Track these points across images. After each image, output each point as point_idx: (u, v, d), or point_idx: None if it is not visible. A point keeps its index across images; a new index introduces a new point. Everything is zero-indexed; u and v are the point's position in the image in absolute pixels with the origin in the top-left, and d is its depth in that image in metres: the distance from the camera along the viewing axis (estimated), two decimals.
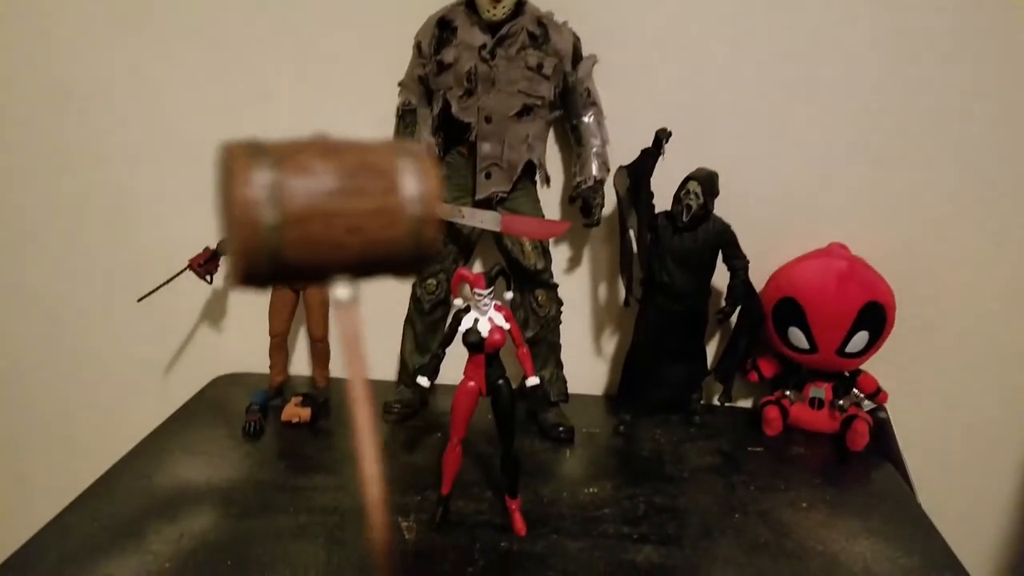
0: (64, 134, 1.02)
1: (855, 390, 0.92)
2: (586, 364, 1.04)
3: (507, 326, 0.70)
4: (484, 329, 0.69)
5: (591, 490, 0.81)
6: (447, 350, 0.72)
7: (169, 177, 1.02)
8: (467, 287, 0.69)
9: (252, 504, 0.77)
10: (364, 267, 0.23)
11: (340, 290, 0.21)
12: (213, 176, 0.94)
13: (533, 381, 0.72)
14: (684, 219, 0.84)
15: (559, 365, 0.95)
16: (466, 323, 0.69)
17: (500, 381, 0.71)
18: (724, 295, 0.90)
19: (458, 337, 0.70)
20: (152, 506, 0.76)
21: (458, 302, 0.71)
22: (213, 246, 0.94)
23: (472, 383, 0.70)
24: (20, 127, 1.03)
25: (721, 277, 0.90)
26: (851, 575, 0.69)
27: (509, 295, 0.73)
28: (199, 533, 0.72)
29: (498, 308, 0.70)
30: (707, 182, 0.84)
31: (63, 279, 1.09)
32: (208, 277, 0.94)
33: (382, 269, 0.23)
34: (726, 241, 0.87)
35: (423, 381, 0.71)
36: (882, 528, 0.76)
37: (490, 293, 0.69)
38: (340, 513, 0.75)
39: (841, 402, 0.91)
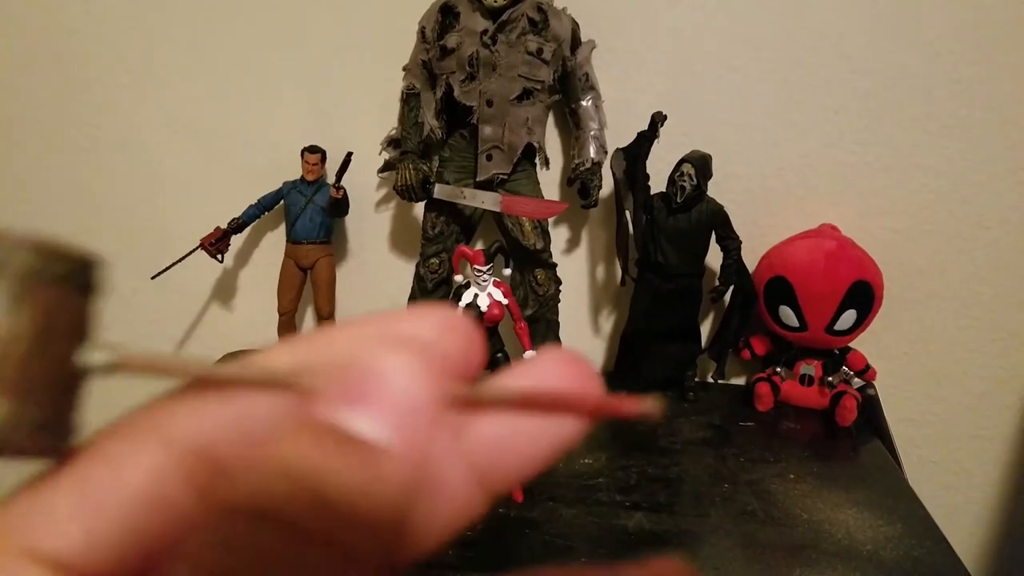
0: (76, 112, 1.05)
1: (844, 367, 0.95)
2: (584, 341, 1.07)
3: (505, 301, 0.73)
4: (483, 304, 0.72)
5: (586, 461, 0.84)
6: None
7: (181, 157, 1.05)
8: (467, 264, 0.72)
9: None
10: None
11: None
12: (223, 157, 0.97)
13: (531, 354, 0.75)
14: (678, 200, 0.87)
15: (558, 342, 0.98)
16: (466, 298, 0.73)
17: (499, 354, 0.74)
18: (718, 275, 0.93)
19: None
20: None
21: (459, 278, 0.74)
22: (224, 225, 0.97)
23: None
24: (31, 106, 1.06)
25: (715, 257, 0.93)
26: (833, 540, 0.72)
27: (507, 271, 0.76)
28: None
29: (497, 284, 0.73)
30: (700, 164, 0.86)
31: None
32: (219, 256, 0.97)
33: None
34: (719, 222, 0.89)
35: None
36: (866, 499, 0.79)
37: (489, 269, 0.72)
38: None
39: (830, 379, 0.94)
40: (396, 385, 0.14)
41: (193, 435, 0.14)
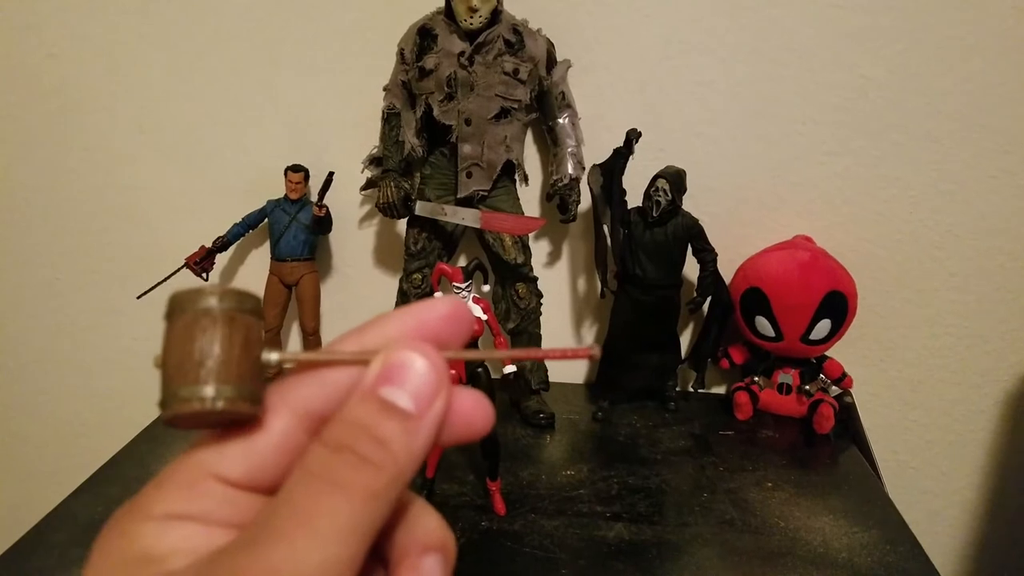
0: (62, 134, 1.06)
1: (821, 375, 0.97)
2: None
3: (485, 317, 0.75)
4: None
5: (568, 472, 0.85)
6: None
7: (166, 177, 1.07)
8: (447, 281, 0.74)
9: None
10: None
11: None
12: (207, 176, 0.98)
13: (510, 369, 0.76)
14: (654, 214, 0.88)
15: None
16: None
17: (479, 369, 0.75)
18: (695, 286, 0.95)
19: None
20: None
21: (439, 295, 0.75)
22: (208, 244, 0.98)
23: (452, 371, 0.75)
24: (18, 129, 1.07)
25: (692, 269, 0.94)
26: (809, 548, 0.73)
27: (486, 288, 0.77)
28: None
29: (476, 300, 0.75)
30: (675, 179, 0.88)
31: (68, 277, 1.13)
32: (204, 275, 0.98)
33: None
34: (695, 235, 0.91)
35: None
36: (842, 506, 0.81)
37: (468, 286, 0.73)
38: None
39: (808, 387, 0.95)
40: (416, 371, 0.22)
41: (305, 403, 0.23)
